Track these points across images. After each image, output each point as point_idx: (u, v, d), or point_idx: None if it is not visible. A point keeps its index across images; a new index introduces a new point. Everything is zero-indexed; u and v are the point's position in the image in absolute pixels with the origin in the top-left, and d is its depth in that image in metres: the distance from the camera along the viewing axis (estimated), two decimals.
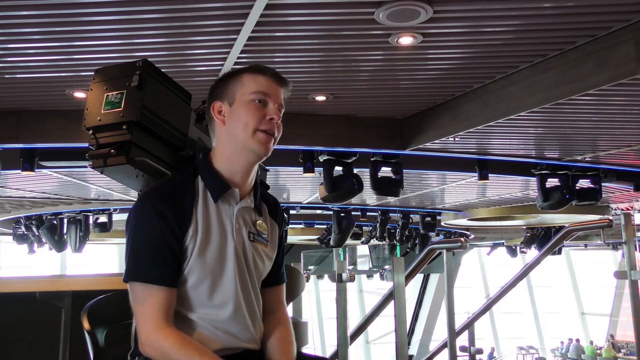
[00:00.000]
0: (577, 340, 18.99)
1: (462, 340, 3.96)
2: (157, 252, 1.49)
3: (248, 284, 1.60)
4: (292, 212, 9.06)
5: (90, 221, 9.26)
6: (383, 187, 5.41)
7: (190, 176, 1.60)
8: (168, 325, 1.47)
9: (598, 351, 18.41)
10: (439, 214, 10.16)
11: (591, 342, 19.40)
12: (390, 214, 9.91)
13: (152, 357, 1.48)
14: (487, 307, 4.44)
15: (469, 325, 4.18)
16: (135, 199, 1.60)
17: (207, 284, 1.54)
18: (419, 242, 11.06)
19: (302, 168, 5.30)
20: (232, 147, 1.60)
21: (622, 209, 9.44)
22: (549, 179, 6.05)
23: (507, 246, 15.65)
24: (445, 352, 3.43)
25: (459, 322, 3.71)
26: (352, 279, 3.28)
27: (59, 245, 9.38)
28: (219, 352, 1.51)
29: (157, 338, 1.46)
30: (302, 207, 9.02)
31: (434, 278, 17.80)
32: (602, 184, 6.31)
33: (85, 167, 2.23)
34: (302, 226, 11.24)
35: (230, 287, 1.56)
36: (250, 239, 1.62)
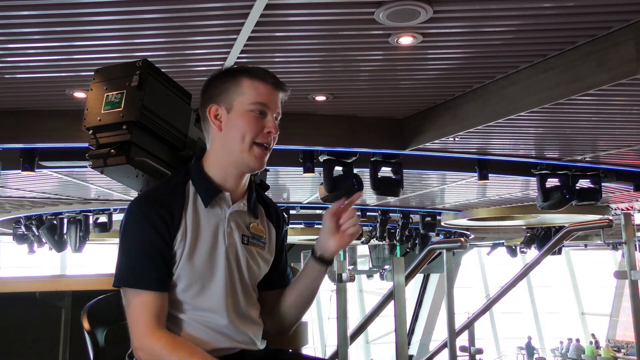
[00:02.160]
0: (577, 340, 19.01)
1: (462, 340, 3.95)
2: (146, 257, 1.49)
3: (238, 287, 1.59)
4: (292, 212, 9.05)
5: (90, 221, 9.27)
6: (383, 187, 5.41)
7: (182, 181, 1.59)
8: (159, 328, 1.47)
9: (597, 350, 18.44)
10: (439, 214, 10.16)
11: (591, 342, 19.42)
12: (390, 214, 9.91)
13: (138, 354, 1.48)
14: (487, 307, 4.43)
15: (469, 325, 4.17)
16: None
17: (197, 288, 1.53)
18: (419, 242, 11.07)
19: (302, 168, 5.30)
20: (226, 156, 1.58)
21: (622, 209, 9.44)
22: (549, 179, 6.05)
23: (507, 246, 15.65)
24: (445, 352, 3.43)
25: (459, 322, 3.71)
26: (352, 279, 3.28)
27: (59, 245, 9.38)
28: (213, 353, 1.51)
29: (148, 342, 1.46)
30: (302, 207, 9.02)
31: (434, 278, 17.80)
32: (602, 184, 6.31)
33: (85, 167, 2.23)
34: (302, 226, 11.23)
35: (220, 290, 1.55)
36: (244, 242, 1.60)
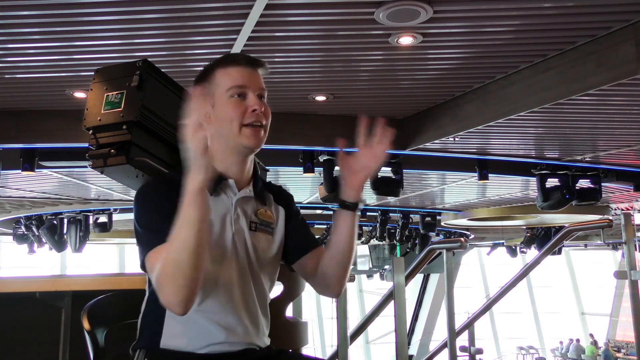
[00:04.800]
0: (577, 340, 19.00)
1: (462, 340, 3.95)
2: (165, 217, 1.40)
3: (247, 273, 1.58)
4: None
5: (90, 221, 9.26)
6: (383, 187, 5.42)
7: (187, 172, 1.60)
8: None
9: (597, 350, 18.44)
10: (439, 214, 10.16)
11: (591, 343, 19.42)
12: (390, 214, 9.91)
13: (170, 300, 1.36)
14: (487, 307, 4.43)
15: (469, 325, 4.17)
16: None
17: (205, 274, 1.52)
18: (419, 242, 11.06)
19: (302, 168, 5.30)
20: (223, 146, 1.59)
21: (622, 209, 9.44)
22: (549, 179, 6.05)
23: (507, 246, 15.64)
24: (445, 352, 3.43)
25: (459, 322, 3.71)
26: (352, 279, 3.28)
27: (59, 245, 9.38)
28: (218, 345, 1.51)
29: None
30: (302, 207, 9.02)
31: (434, 278, 17.79)
32: (602, 184, 6.31)
33: (85, 167, 2.23)
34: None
35: (228, 276, 1.54)
36: (252, 229, 1.60)
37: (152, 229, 1.46)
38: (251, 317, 1.58)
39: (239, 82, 1.56)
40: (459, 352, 3.50)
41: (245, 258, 1.58)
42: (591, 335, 20.07)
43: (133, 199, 1.59)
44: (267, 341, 1.66)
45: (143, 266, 1.46)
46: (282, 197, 1.75)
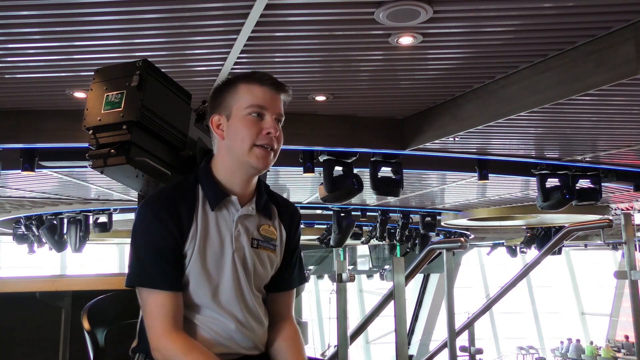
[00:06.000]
0: (577, 340, 19.00)
1: (462, 340, 3.95)
2: (159, 256, 1.49)
3: (246, 290, 1.59)
4: None
5: (90, 221, 9.26)
6: (383, 187, 5.41)
7: (192, 183, 1.60)
8: (175, 330, 1.48)
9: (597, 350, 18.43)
10: (439, 214, 10.15)
11: (591, 342, 19.41)
12: (390, 214, 9.91)
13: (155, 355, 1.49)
14: (487, 307, 4.43)
15: (469, 325, 4.17)
16: (136, 200, 1.60)
17: (205, 290, 1.54)
18: (419, 242, 11.05)
19: (302, 168, 5.30)
20: (231, 161, 1.59)
21: (622, 209, 9.44)
22: (549, 179, 6.05)
23: (507, 246, 15.64)
24: (445, 352, 3.43)
25: (459, 322, 3.71)
26: (352, 279, 3.28)
27: (59, 245, 9.38)
28: (219, 356, 1.51)
29: (164, 343, 1.46)
30: (302, 207, 9.02)
31: (434, 278, 17.79)
32: (602, 184, 6.31)
33: (85, 167, 2.23)
34: (302, 226, 11.21)
35: (228, 293, 1.55)
36: (254, 246, 1.60)
37: (143, 263, 1.51)
38: (252, 329, 1.60)
39: (260, 102, 1.55)
40: (459, 352, 3.50)
41: (244, 275, 1.58)
42: (591, 343, 19.98)
43: (136, 199, 1.59)
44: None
45: (130, 287, 1.52)
46: (287, 216, 1.73)
